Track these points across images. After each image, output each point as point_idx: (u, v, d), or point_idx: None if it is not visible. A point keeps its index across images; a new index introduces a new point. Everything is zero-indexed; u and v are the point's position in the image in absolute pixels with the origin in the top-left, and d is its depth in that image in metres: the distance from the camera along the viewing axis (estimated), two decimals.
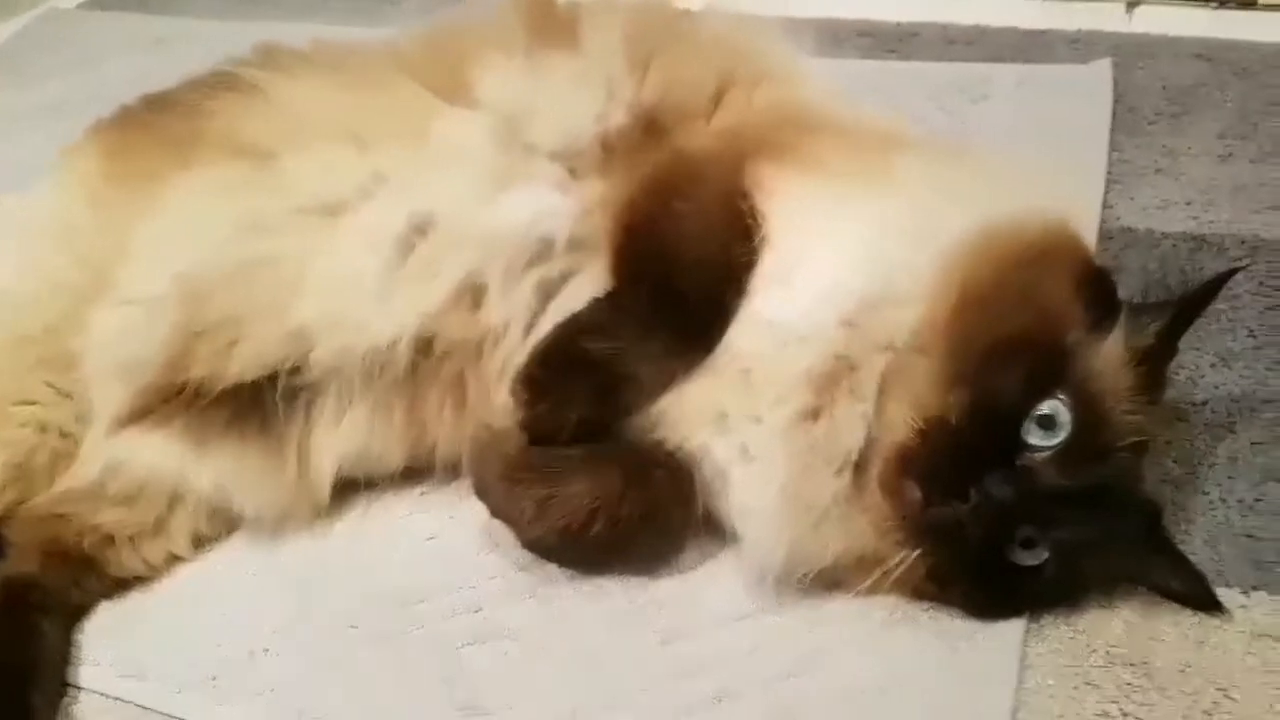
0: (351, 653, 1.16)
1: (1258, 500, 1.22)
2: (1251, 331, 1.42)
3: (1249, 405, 1.33)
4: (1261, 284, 1.48)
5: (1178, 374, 1.36)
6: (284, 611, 1.20)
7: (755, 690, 1.10)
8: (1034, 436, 1.05)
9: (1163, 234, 1.57)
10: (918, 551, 1.08)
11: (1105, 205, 1.64)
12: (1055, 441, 1.05)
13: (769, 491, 1.11)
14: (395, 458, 1.27)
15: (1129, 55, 1.95)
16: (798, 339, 1.10)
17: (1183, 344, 1.39)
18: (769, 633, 1.14)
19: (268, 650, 1.17)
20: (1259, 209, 1.61)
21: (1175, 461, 1.27)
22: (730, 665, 1.12)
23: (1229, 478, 1.25)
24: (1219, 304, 1.45)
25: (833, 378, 1.10)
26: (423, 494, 1.30)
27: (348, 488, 1.30)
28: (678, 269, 1.15)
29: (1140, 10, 2.11)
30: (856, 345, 1.10)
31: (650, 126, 1.23)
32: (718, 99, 1.27)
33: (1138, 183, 1.68)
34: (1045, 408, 1.05)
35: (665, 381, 1.16)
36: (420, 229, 1.20)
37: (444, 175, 1.21)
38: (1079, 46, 2.00)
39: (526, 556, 1.22)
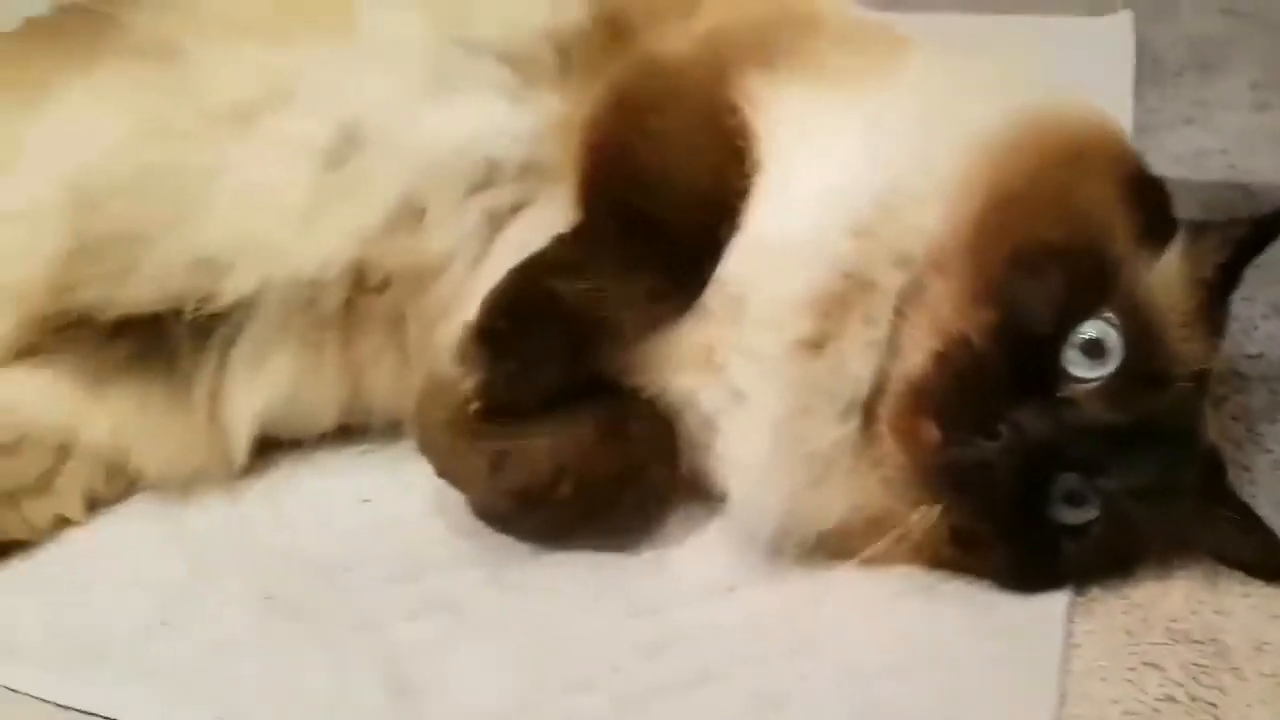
0: (264, 627, 0.97)
1: None
2: None
3: None
4: None
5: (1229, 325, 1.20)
6: (188, 580, 1.01)
7: (742, 671, 0.91)
8: (1078, 367, 0.88)
9: (1200, 183, 1.41)
10: (938, 507, 0.90)
11: None
12: (1103, 372, 0.88)
13: (761, 439, 0.94)
14: (326, 411, 1.09)
15: (1148, 10, 1.81)
16: (799, 254, 0.93)
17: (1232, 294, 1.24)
18: (760, 607, 0.96)
19: (165, 624, 0.98)
20: None
21: (1234, 419, 1.09)
22: (714, 643, 0.94)
23: None
24: (1269, 254, 1.30)
25: (841, 300, 0.92)
26: (362, 453, 1.12)
27: (273, 448, 1.11)
28: (659, 199, 0.97)
29: None
30: (869, 260, 0.92)
31: (616, 29, 1.06)
32: None
33: (1167, 134, 1.53)
34: (1091, 330, 0.88)
35: (649, 330, 0.98)
36: (351, 139, 1.02)
37: (373, 75, 1.03)
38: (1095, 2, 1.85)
39: (479, 523, 1.03)
